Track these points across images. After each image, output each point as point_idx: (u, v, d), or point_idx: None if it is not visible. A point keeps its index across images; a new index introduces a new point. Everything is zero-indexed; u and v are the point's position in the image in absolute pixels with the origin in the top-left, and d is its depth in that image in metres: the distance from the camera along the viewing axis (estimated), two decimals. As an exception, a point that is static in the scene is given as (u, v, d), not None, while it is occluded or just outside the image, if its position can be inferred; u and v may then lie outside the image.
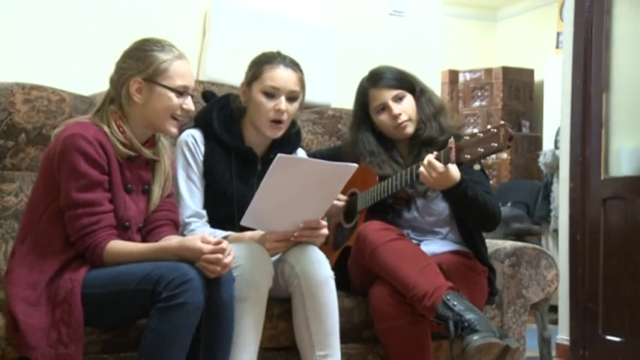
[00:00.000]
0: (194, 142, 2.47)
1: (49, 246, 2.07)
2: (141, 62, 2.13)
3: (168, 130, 2.17)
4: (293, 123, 2.55)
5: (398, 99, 2.58)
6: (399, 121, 2.56)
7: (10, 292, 2.02)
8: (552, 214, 5.34)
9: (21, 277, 2.03)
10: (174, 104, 2.14)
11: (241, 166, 2.48)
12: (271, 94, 2.41)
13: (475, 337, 2.10)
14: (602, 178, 3.72)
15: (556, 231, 4.91)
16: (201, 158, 2.46)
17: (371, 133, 2.63)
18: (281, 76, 2.42)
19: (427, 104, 2.62)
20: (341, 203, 2.63)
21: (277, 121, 2.43)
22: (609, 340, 3.59)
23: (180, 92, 2.15)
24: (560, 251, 3.98)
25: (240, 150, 2.48)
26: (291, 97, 2.44)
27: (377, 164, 2.58)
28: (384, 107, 2.58)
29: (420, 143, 2.57)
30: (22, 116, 2.60)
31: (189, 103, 2.17)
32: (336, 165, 2.25)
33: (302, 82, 2.48)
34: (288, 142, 2.55)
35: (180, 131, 2.55)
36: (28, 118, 2.61)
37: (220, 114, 2.51)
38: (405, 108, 2.57)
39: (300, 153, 2.65)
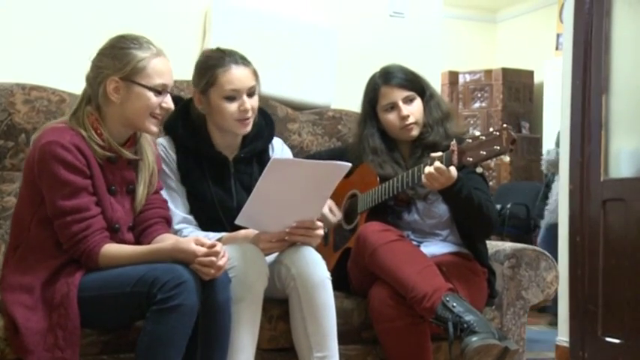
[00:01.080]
0: (164, 150, 2.42)
1: (41, 252, 2.05)
2: (118, 61, 2.07)
3: (148, 128, 2.12)
4: (261, 114, 2.49)
5: (408, 100, 2.57)
6: (407, 122, 2.55)
7: (7, 298, 2.01)
8: (547, 207, 5.27)
9: (15, 283, 2.02)
10: (153, 103, 2.09)
11: (215, 171, 2.44)
12: (232, 97, 2.36)
13: (474, 339, 2.10)
14: (601, 179, 3.72)
15: (550, 227, 4.89)
16: (175, 165, 2.42)
17: (376, 131, 2.62)
18: (238, 77, 2.36)
19: (435, 109, 2.61)
20: (326, 210, 2.60)
21: (244, 119, 2.38)
22: (609, 342, 3.58)
23: (159, 91, 2.10)
24: (560, 253, 3.97)
25: (210, 155, 2.44)
26: (251, 93, 2.39)
27: (378, 163, 2.57)
28: (394, 106, 2.57)
29: (423, 146, 2.56)
30: (22, 117, 2.60)
31: (168, 102, 2.12)
32: (329, 164, 2.24)
33: (256, 74, 2.42)
34: (260, 136, 2.51)
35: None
36: (28, 118, 2.61)
37: (186, 119, 2.46)
38: (414, 110, 2.57)
39: (277, 143, 2.60)
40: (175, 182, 2.42)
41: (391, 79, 2.58)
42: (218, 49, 2.45)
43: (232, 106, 2.36)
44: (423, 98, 2.60)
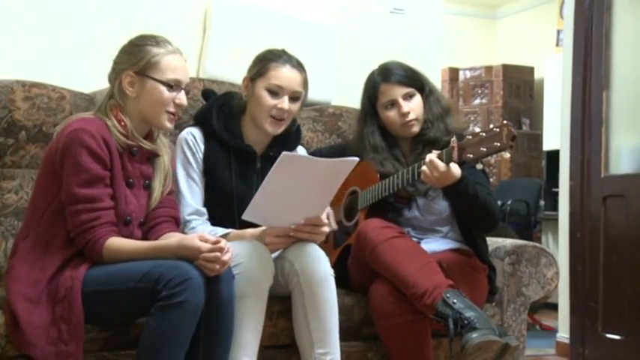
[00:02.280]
0: (194, 139, 2.47)
1: (52, 242, 2.06)
2: (133, 56, 2.14)
3: (162, 124, 2.17)
4: (293, 122, 2.56)
5: (408, 97, 2.57)
6: (407, 119, 2.55)
7: (11, 288, 2.02)
8: None
9: (22, 274, 2.03)
10: (166, 98, 2.14)
11: (241, 164, 2.48)
12: (275, 92, 2.42)
13: (474, 335, 2.10)
14: (602, 175, 3.72)
15: None
16: (201, 156, 2.47)
17: (377, 128, 2.62)
18: (286, 76, 2.43)
19: (435, 104, 2.60)
20: (323, 217, 2.58)
21: (278, 119, 2.44)
22: (609, 338, 3.59)
23: (171, 86, 2.15)
24: (560, 249, 3.98)
25: (240, 148, 2.49)
26: (294, 97, 2.46)
27: (379, 161, 2.57)
28: (393, 103, 2.57)
29: (424, 143, 2.56)
30: (23, 114, 2.60)
31: (181, 98, 2.17)
32: (338, 161, 2.24)
33: (306, 83, 2.49)
34: (288, 140, 2.56)
35: (181, 129, 2.55)
36: (28, 115, 2.61)
37: (220, 112, 2.51)
38: (414, 107, 2.56)
39: (300, 151, 2.66)
40: (197, 173, 2.45)
41: (390, 76, 2.58)
42: (282, 50, 2.51)
43: (272, 101, 2.42)
44: (422, 94, 2.60)
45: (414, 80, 2.59)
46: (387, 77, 2.59)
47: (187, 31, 3.08)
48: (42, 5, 2.90)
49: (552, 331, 4.58)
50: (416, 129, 2.57)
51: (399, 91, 2.56)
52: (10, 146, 2.59)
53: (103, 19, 2.96)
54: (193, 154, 2.46)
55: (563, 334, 3.93)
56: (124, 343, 2.11)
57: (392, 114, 2.57)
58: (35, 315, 1.96)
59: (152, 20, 2.96)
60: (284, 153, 2.15)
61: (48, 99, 2.64)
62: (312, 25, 3.28)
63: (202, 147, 2.47)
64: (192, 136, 2.48)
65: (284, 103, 2.42)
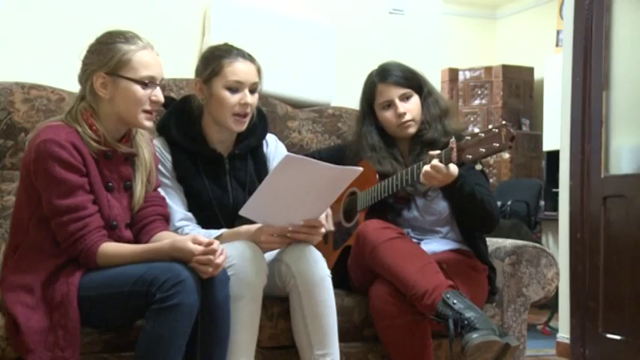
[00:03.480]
0: (159, 150, 2.41)
1: (40, 252, 2.04)
2: (103, 55, 2.06)
3: (141, 124, 2.11)
4: (256, 111, 2.50)
5: (405, 98, 2.56)
6: (403, 120, 2.55)
7: (8, 297, 2.01)
8: None
9: (15, 282, 2.02)
10: (141, 96, 2.07)
11: (210, 169, 2.45)
12: (235, 88, 2.38)
13: (475, 335, 2.09)
14: (602, 176, 3.72)
15: None
16: (170, 165, 2.42)
17: (374, 128, 2.62)
18: (243, 70, 2.39)
19: (433, 106, 2.60)
20: (323, 217, 2.57)
21: (242, 115, 2.40)
22: (609, 339, 3.59)
23: (146, 83, 2.08)
24: (561, 249, 3.97)
25: (205, 153, 2.45)
26: (253, 89, 2.41)
27: (377, 160, 2.57)
28: (390, 104, 2.57)
29: (422, 143, 2.56)
30: (22, 115, 2.60)
31: (157, 95, 2.10)
32: (341, 169, 2.23)
33: (260, 73, 2.45)
34: (253, 133, 2.51)
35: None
36: (27, 117, 2.60)
37: (179, 119, 2.46)
38: (411, 108, 2.56)
39: (271, 139, 2.61)
40: (172, 181, 2.41)
41: (388, 76, 2.58)
42: (226, 44, 2.46)
43: (233, 98, 2.37)
44: (420, 95, 2.60)
45: (412, 81, 2.59)
46: (384, 77, 2.58)
47: (186, 32, 3.08)
48: (41, 7, 2.90)
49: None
50: (412, 130, 2.57)
51: (395, 92, 2.56)
52: (9, 148, 2.59)
53: (102, 20, 2.93)
54: (162, 163, 2.40)
55: (564, 335, 3.92)
56: (124, 344, 2.11)
57: (388, 114, 2.57)
58: (34, 321, 1.95)
59: (151, 22, 2.96)
60: (287, 154, 2.14)
61: (47, 101, 2.64)
62: (312, 27, 3.28)
63: (169, 156, 2.43)
64: (158, 147, 2.41)
65: (246, 97, 2.38)
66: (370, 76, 2.65)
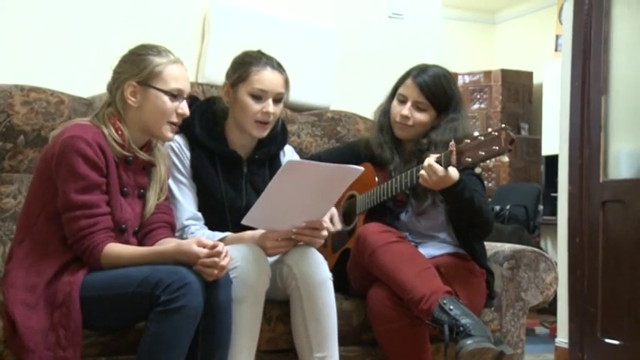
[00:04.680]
0: (179, 147, 2.45)
1: (46, 247, 2.06)
2: (135, 66, 2.14)
3: (164, 134, 2.18)
4: (277, 120, 2.53)
5: (418, 105, 2.53)
6: (399, 121, 2.55)
7: (8, 294, 2.01)
8: None
9: (19, 280, 2.02)
10: (169, 108, 2.15)
11: (227, 170, 2.47)
12: (259, 96, 2.40)
13: (469, 342, 2.10)
14: (601, 180, 3.72)
15: None
16: (188, 163, 2.45)
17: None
18: (269, 79, 2.41)
19: (449, 131, 2.48)
20: (327, 218, 2.56)
21: (263, 122, 2.42)
22: (608, 344, 3.58)
23: (174, 95, 2.15)
24: (559, 254, 3.97)
25: (225, 154, 2.47)
26: (278, 99, 2.44)
27: (378, 143, 2.59)
28: (404, 100, 2.56)
29: (420, 151, 2.53)
30: (21, 118, 2.60)
31: (184, 108, 2.18)
32: (342, 168, 2.24)
33: (287, 84, 2.47)
34: (274, 141, 2.54)
35: None
36: (26, 120, 2.60)
37: (202, 119, 2.49)
38: (418, 118, 2.53)
39: (288, 150, 2.64)
40: (187, 179, 2.44)
41: (420, 77, 2.54)
42: (259, 51, 2.49)
43: (256, 106, 2.40)
44: (439, 115, 2.54)
45: (437, 98, 2.52)
46: (416, 76, 2.55)
47: (186, 35, 3.08)
48: (40, 10, 2.89)
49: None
50: (403, 134, 2.56)
51: (414, 95, 2.53)
52: (8, 151, 2.59)
53: (102, 23, 2.96)
54: (181, 160, 2.44)
55: (562, 339, 3.92)
56: (122, 347, 2.11)
57: (397, 107, 2.57)
58: (33, 320, 1.96)
59: (151, 25, 2.97)
60: (289, 160, 2.15)
61: (46, 103, 2.64)
62: (311, 30, 3.28)
63: (188, 154, 2.46)
64: (178, 143, 2.45)
65: (269, 106, 2.40)
66: (411, 68, 2.60)
